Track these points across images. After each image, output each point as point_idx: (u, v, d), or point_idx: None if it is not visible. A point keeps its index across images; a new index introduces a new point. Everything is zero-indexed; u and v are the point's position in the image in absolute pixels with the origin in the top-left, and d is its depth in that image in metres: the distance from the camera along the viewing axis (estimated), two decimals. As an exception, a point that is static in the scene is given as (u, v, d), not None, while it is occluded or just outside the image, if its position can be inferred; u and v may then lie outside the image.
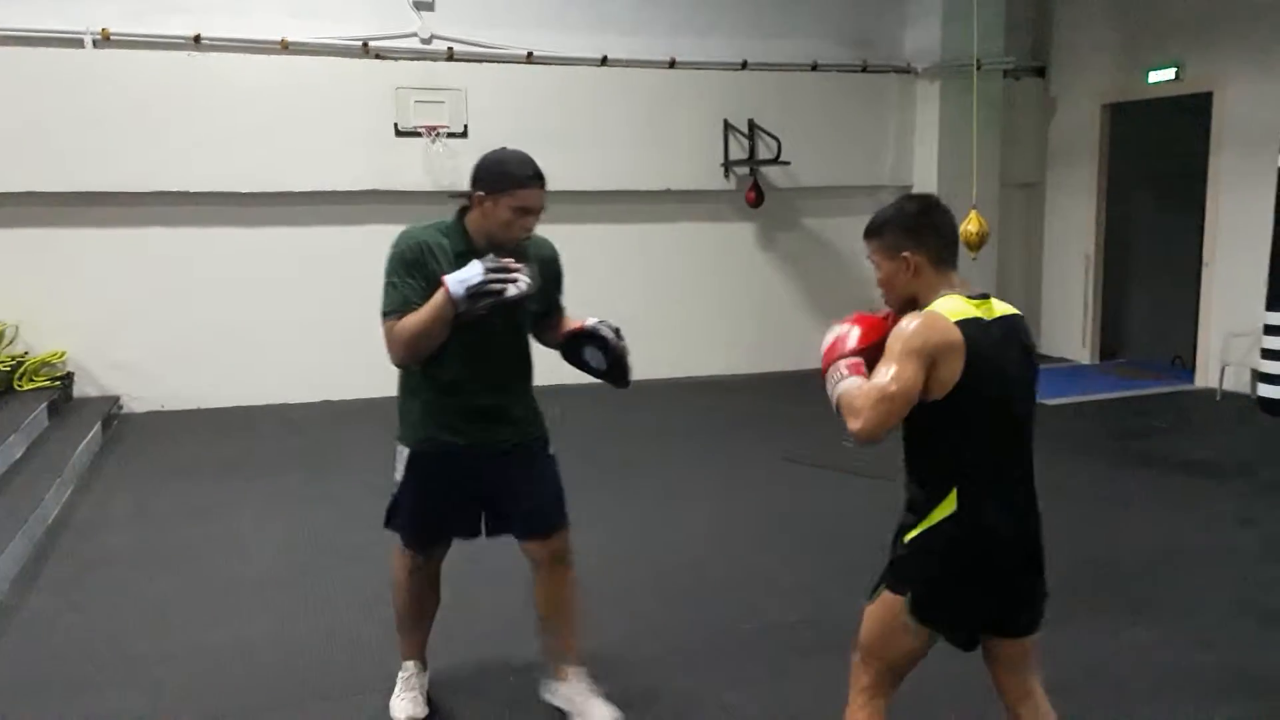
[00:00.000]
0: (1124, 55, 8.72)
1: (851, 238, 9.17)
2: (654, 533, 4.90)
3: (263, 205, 7.54)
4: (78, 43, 6.96)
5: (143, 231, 7.35)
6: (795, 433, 6.51)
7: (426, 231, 2.86)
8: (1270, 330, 4.35)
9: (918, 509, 2.25)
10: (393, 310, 2.79)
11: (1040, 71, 9.55)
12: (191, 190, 7.30)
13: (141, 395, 7.41)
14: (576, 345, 3.00)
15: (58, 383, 6.95)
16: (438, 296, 2.70)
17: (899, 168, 9.22)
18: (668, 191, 8.44)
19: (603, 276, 8.44)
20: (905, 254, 2.24)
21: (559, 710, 3.12)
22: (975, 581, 2.22)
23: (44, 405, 6.38)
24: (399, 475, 2.98)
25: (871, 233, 2.32)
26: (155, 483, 5.75)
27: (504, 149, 2.88)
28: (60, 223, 7.16)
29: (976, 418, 2.17)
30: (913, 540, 2.24)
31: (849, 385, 2.18)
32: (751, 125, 8.51)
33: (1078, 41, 9.22)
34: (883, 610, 2.28)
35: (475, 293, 2.65)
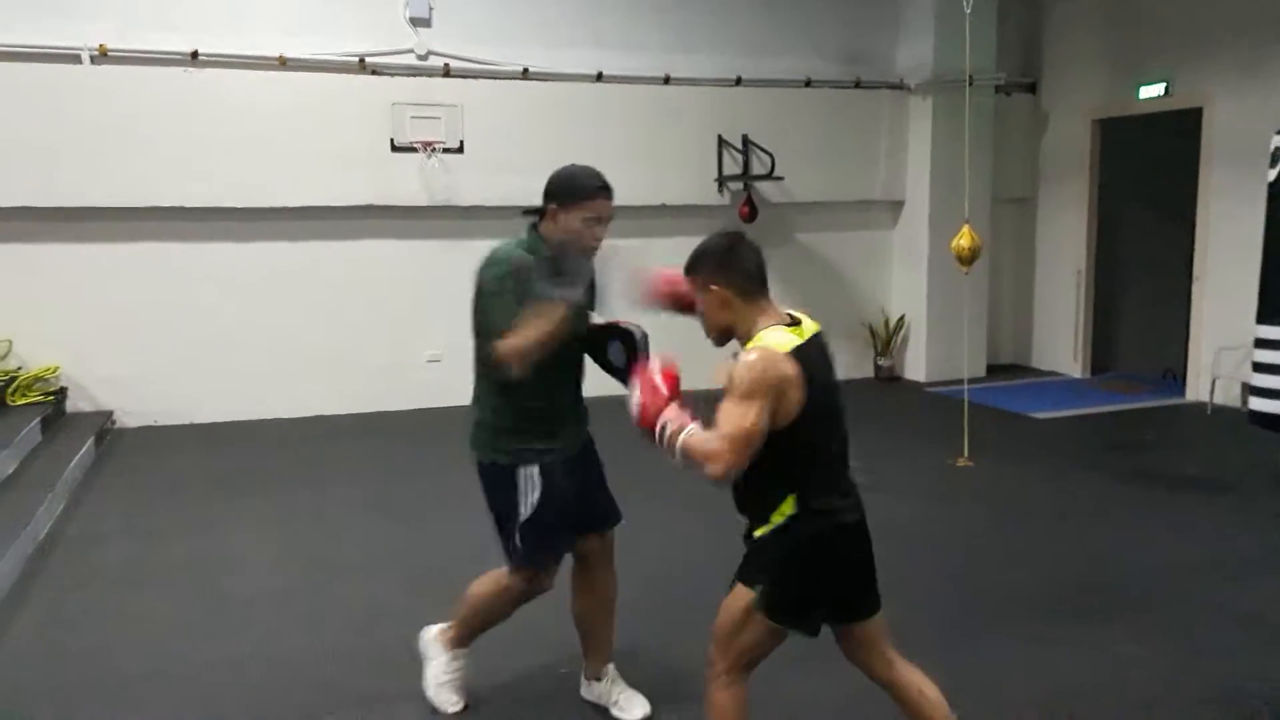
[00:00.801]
0: (1114, 71, 8.79)
1: (845, 252, 9.33)
2: (660, 543, 4.89)
3: (258, 220, 7.56)
4: (75, 58, 6.98)
5: (137, 247, 7.36)
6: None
7: (514, 250, 2.96)
8: (1261, 344, 4.37)
9: (755, 513, 2.44)
10: (501, 327, 2.84)
11: (1032, 87, 9.62)
12: (187, 205, 7.31)
13: (134, 410, 7.40)
14: (603, 340, 3.05)
15: (51, 398, 6.94)
16: (554, 307, 2.77)
17: (891, 183, 9.27)
18: (662, 206, 8.47)
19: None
20: (713, 287, 2.43)
21: (588, 705, 3.22)
22: (823, 570, 2.41)
23: (37, 420, 6.37)
24: (535, 497, 2.95)
25: (688, 269, 2.53)
26: (147, 498, 5.74)
27: (573, 164, 3.04)
28: (55, 238, 7.17)
29: (816, 432, 2.37)
30: (761, 537, 2.43)
31: (693, 435, 2.32)
32: (745, 141, 8.56)
33: (1068, 58, 9.29)
34: (734, 601, 2.46)
35: (568, 281, 2.79)
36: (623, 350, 3.00)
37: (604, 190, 2.95)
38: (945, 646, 3.70)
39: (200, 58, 7.21)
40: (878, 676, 2.58)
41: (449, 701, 3.25)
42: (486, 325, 2.90)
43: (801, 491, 2.38)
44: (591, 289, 2.99)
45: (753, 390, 2.25)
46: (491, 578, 3.14)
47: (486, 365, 2.95)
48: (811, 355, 2.36)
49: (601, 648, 3.24)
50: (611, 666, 3.28)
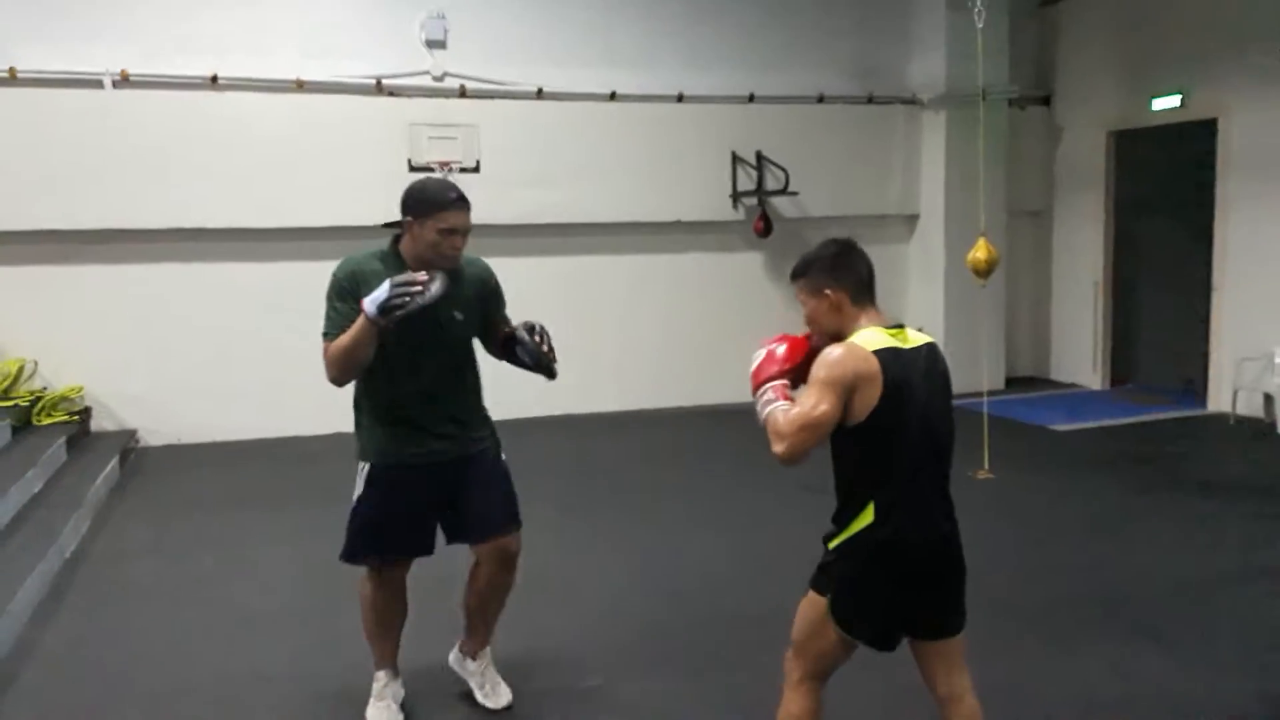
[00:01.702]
0: (1128, 83, 8.80)
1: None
2: (668, 559, 4.91)
3: (278, 241, 7.65)
4: (97, 84, 7.11)
5: (160, 268, 7.47)
6: (810, 462, 6.50)
7: (362, 259, 3.04)
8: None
9: (839, 519, 2.44)
10: (328, 333, 3.00)
11: (1046, 100, 9.64)
12: (208, 227, 7.42)
13: (158, 429, 7.48)
14: (511, 348, 3.19)
15: (76, 417, 7.03)
16: (359, 319, 2.86)
17: (906, 197, 9.29)
18: (677, 223, 8.52)
19: (614, 307, 8.53)
20: (827, 291, 2.45)
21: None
22: (889, 585, 2.39)
23: (62, 439, 6.45)
24: (358, 492, 3.15)
25: (797, 274, 2.55)
26: (172, 515, 5.79)
27: (428, 178, 3.13)
28: (78, 260, 7.28)
29: (893, 437, 2.35)
30: (836, 547, 2.44)
31: (776, 409, 2.40)
32: (759, 157, 8.61)
33: (1082, 70, 9.31)
34: (809, 610, 2.47)
35: (386, 307, 2.80)
36: (528, 354, 3.12)
37: (460, 202, 2.98)
38: (972, 659, 3.64)
39: (220, 82, 7.32)
40: (938, 701, 2.55)
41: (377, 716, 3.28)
42: (322, 329, 3.04)
43: (882, 499, 2.38)
44: (450, 304, 3.00)
45: (828, 381, 2.31)
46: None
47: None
48: (904, 361, 2.36)
49: (479, 632, 3.39)
50: (488, 651, 3.41)
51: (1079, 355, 9.51)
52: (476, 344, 3.25)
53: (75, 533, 5.27)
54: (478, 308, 3.13)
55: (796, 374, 2.49)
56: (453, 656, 3.48)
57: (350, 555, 3.19)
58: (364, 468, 3.14)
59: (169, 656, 3.89)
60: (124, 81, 7.15)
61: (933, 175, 9.15)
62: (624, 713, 3.37)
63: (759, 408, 2.45)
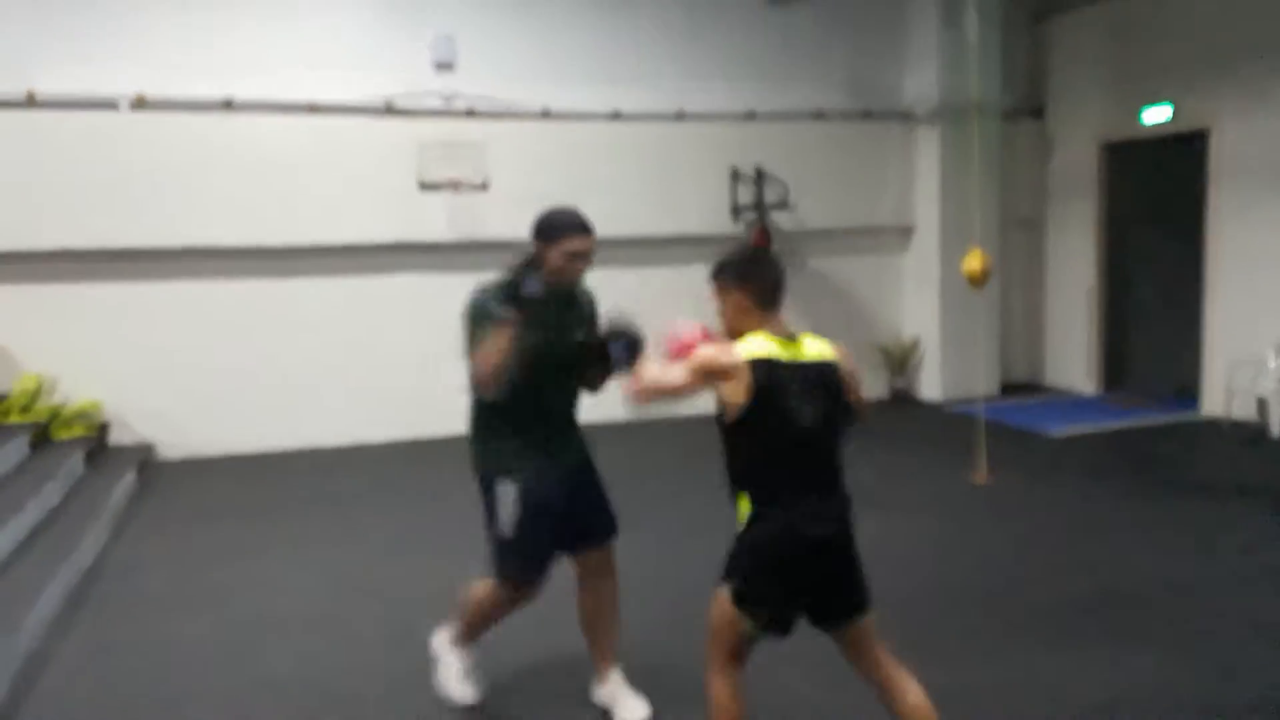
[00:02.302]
0: (1119, 96, 8.95)
1: (858, 277, 9.49)
2: (668, 566, 5.01)
3: (291, 259, 7.81)
4: (114, 106, 7.28)
5: (176, 285, 7.61)
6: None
7: (490, 289, 3.19)
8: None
9: (737, 511, 2.64)
10: (475, 349, 3.11)
11: (1038, 113, 9.80)
12: (223, 245, 7.58)
13: (175, 442, 7.62)
14: (604, 353, 3.18)
15: (94, 431, 7.14)
16: (498, 329, 3.03)
17: (902, 209, 9.45)
18: (679, 237, 8.68)
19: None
20: (736, 293, 2.66)
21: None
22: (771, 573, 2.56)
23: (80, 453, 6.55)
24: (509, 514, 3.17)
25: (713, 274, 2.76)
26: (188, 527, 5.86)
27: (556, 205, 3.30)
28: (96, 278, 7.43)
29: (761, 438, 2.55)
30: (737, 537, 2.63)
31: (655, 370, 2.78)
32: (759, 172, 8.77)
33: (1073, 84, 9.47)
34: (718, 598, 2.63)
35: (515, 299, 3.04)
36: (625, 348, 3.19)
37: (584, 229, 3.18)
38: (972, 662, 3.74)
39: (233, 104, 7.49)
40: (865, 676, 2.70)
41: (462, 693, 3.46)
42: (466, 351, 3.14)
43: (754, 495, 2.59)
44: (570, 319, 3.24)
45: (693, 365, 2.60)
46: (487, 583, 3.33)
47: (471, 389, 3.18)
48: (779, 370, 2.54)
49: (603, 652, 3.43)
50: (616, 671, 3.45)
51: (1073, 362, 9.65)
52: None
53: (93, 545, 5.33)
54: (588, 330, 3.30)
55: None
56: (593, 692, 3.51)
57: (510, 573, 3.25)
58: (506, 489, 3.17)
59: (184, 666, 3.92)
60: (140, 104, 7.32)
61: (927, 188, 9.31)
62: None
63: (648, 365, 2.80)
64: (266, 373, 7.78)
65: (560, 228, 3.17)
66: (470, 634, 3.48)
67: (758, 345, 2.58)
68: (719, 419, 2.61)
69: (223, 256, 7.65)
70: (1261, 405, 7.65)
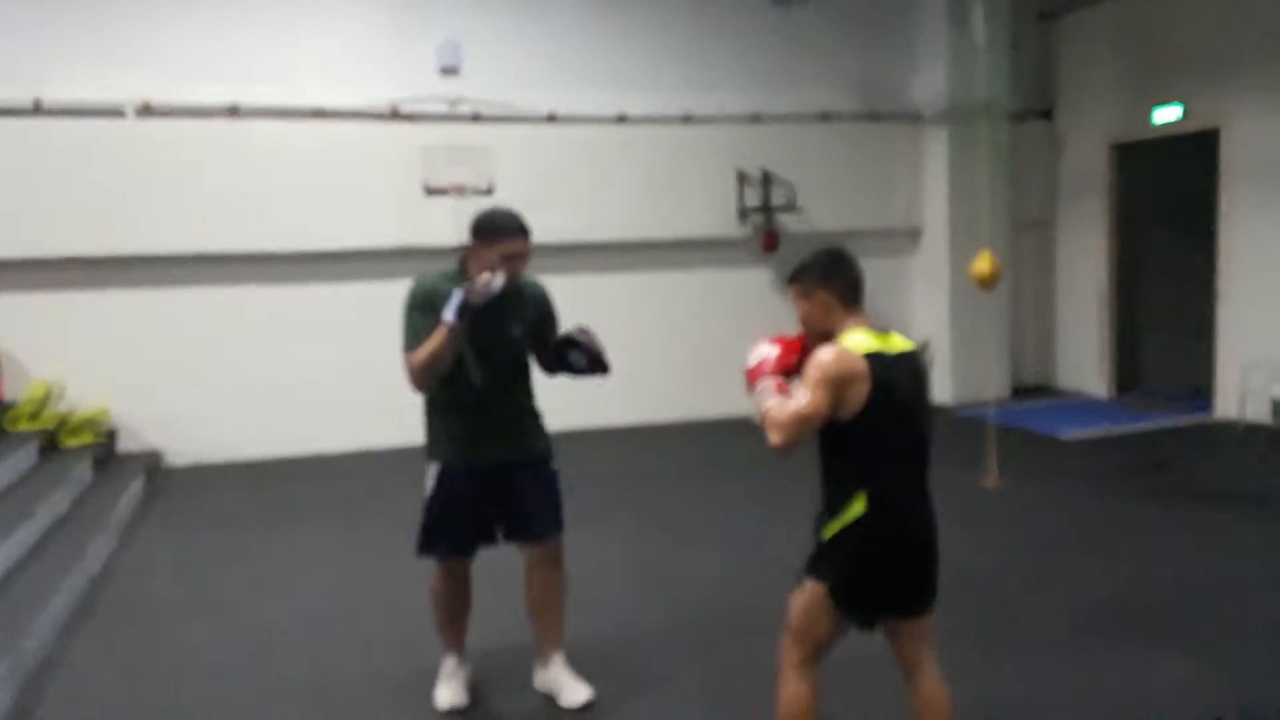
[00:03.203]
0: (1129, 96, 8.89)
1: (867, 279, 9.39)
2: (678, 569, 4.99)
3: (298, 264, 7.81)
4: (119, 113, 7.29)
5: (183, 292, 7.62)
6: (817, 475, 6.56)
7: (434, 278, 3.34)
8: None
9: (832, 509, 2.61)
10: (409, 346, 3.28)
11: (1047, 114, 9.75)
12: (230, 251, 7.58)
13: (182, 449, 7.62)
14: (563, 356, 3.42)
15: (101, 439, 7.14)
16: (439, 329, 3.16)
17: (910, 211, 9.40)
18: (685, 240, 8.65)
19: (624, 323, 8.62)
20: (819, 294, 2.65)
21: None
22: (881, 572, 2.58)
23: (89, 460, 6.55)
24: (428, 492, 3.41)
25: (793, 278, 2.74)
26: (196, 534, 5.86)
27: (494, 207, 3.39)
28: (103, 285, 7.44)
29: (881, 433, 2.54)
30: (831, 536, 2.60)
31: (773, 404, 2.57)
32: (765, 174, 8.73)
33: (1083, 83, 9.41)
34: (806, 597, 2.64)
35: (461, 309, 3.11)
36: (582, 354, 3.37)
37: (520, 231, 3.27)
38: (987, 668, 3.71)
39: (240, 110, 7.49)
40: (906, 671, 2.74)
41: (440, 697, 3.53)
42: (403, 342, 3.30)
43: (872, 490, 2.55)
44: (508, 317, 3.33)
45: (821, 380, 2.49)
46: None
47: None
48: (889, 364, 2.54)
49: (544, 637, 3.55)
50: (558, 656, 3.54)
51: (1084, 364, 9.58)
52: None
53: (101, 552, 5.33)
54: (534, 325, 3.40)
55: (790, 371, 2.68)
56: (535, 679, 3.61)
57: (422, 548, 3.46)
58: (432, 468, 3.41)
59: (193, 673, 3.92)
60: (146, 111, 7.32)
61: (936, 189, 9.26)
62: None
63: (757, 399, 2.63)
64: (273, 379, 7.78)
65: (498, 229, 3.25)
66: (443, 633, 3.57)
67: (862, 340, 2.56)
68: (832, 420, 2.53)
69: (228, 262, 7.65)
70: (1276, 407, 7.58)
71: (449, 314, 3.11)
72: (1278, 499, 5.87)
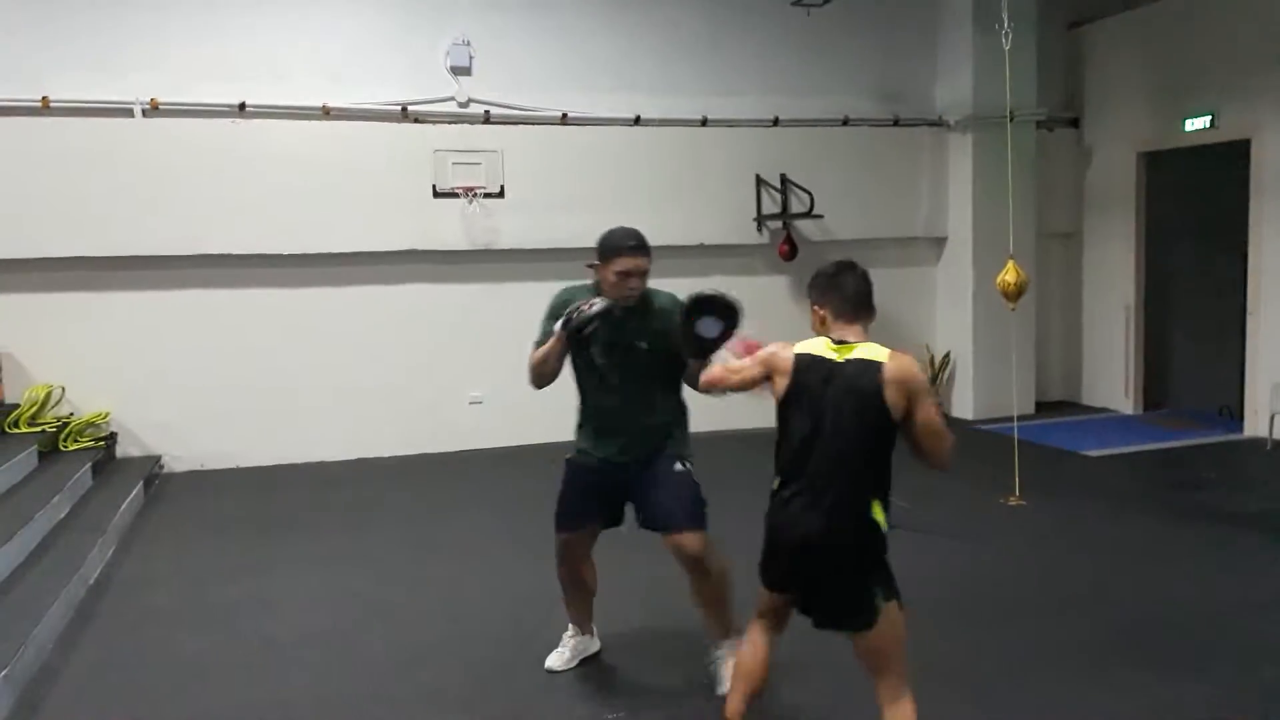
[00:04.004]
0: (1158, 104, 8.70)
1: (888, 290, 9.07)
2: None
3: (304, 266, 7.69)
4: (127, 112, 7.19)
5: (186, 294, 7.52)
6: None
7: (573, 290, 3.63)
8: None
9: (874, 518, 2.72)
10: (534, 344, 3.59)
11: (1074, 122, 9.55)
12: (235, 253, 7.47)
13: (182, 455, 7.51)
14: (697, 340, 3.21)
15: (101, 443, 7.06)
16: (554, 336, 3.48)
17: (933, 220, 9.21)
18: (701, 246, 8.48)
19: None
20: (815, 308, 2.85)
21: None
22: (769, 549, 2.81)
23: (88, 465, 6.48)
24: (561, 478, 3.77)
25: (808, 286, 2.94)
26: (196, 541, 5.79)
27: (615, 226, 3.59)
28: (106, 286, 7.35)
29: (786, 426, 2.79)
30: (880, 543, 2.73)
31: (724, 356, 3.08)
32: (784, 180, 8.57)
33: (1111, 91, 9.22)
34: (893, 615, 2.73)
35: (566, 321, 3.41)
36: (716, 323, 3.21)
37: (633, 249, 3.46)
38: (1003, 687, 3.66)
39: (247, 109, 7.39)
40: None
41: (555, 660, 3.88)
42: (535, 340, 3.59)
43: (779, 474, 2.81)
44: (633, 332, 3.52)
45: (759, 358, 2.88)
46: None
47: None
48: (813, 367, 2.72)
49: (706, 628, 3.68)
50: (720, 646, 3.62)
51: (1111, 379, 9.36)
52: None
53: (100, 558, 5.28)
54: (661, 338, 3.47)
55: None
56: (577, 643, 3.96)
57: (556, 522, 3.75)
58: (565, 460, 3.77)
59: (192, 682, 3.88)
60: (153, 110, 7.23)
61: (960, 198, 9.08)
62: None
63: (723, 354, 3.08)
64: (276, 384, 7.66)
65: (612, 248, 3.47)
66: (568, 604, 3.89)
67: (812, 344, 2.78)
68: (883, 422, 2.66)
69: (234, 264, 7.53)
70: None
71: (558, 325, 3.42)
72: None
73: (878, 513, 2.66)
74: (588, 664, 3.92)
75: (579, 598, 3.87)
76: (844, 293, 2.77)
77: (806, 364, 2.73)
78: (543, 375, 3.54)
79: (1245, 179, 7.92)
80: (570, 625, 3.93)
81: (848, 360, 2.68)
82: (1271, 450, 7.44)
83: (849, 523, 2.65)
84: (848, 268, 2.81)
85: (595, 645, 3.96)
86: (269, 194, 7.44)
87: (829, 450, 2.67)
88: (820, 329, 2.80)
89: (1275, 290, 7.73)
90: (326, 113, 7.54)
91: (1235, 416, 8.25)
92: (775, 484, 2.80)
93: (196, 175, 7.32)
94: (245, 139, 7.41)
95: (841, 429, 2.65)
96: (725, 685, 3.35)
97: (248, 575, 5.15)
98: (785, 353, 2.78)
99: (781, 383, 2.76)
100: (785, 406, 2.77)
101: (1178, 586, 4.69)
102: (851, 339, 2.72)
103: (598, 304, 3.38)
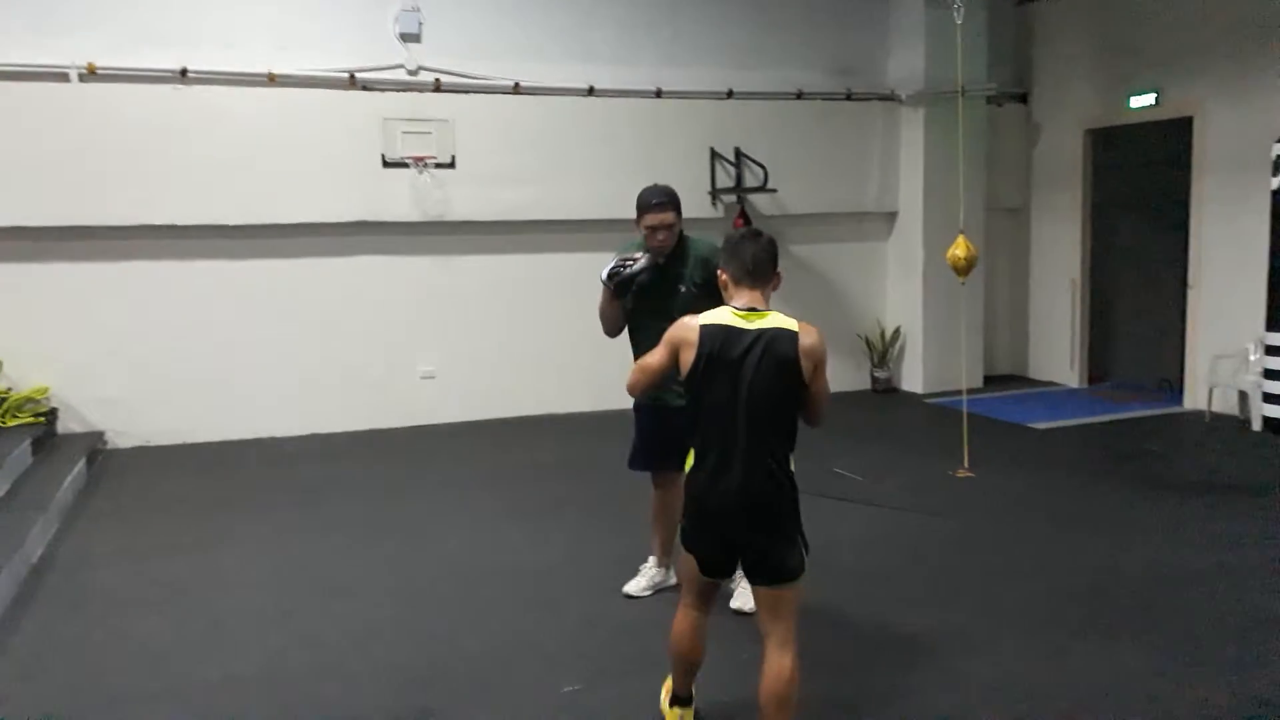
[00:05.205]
0: (1105, 81, 8.82)
1: (839, 264, 9.30)
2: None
3: (249, 238, 7.51)
4: (63, 77, 6.93)
5: (128, 265, 7.31)
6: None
7: (628, 246, 4.00)
8: (1273, 351, 4.28)
9: (788, 473, 2.86)
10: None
11: (1023, 98, 9.65)
12: (178, 223, 7.27)
13: (126, 430, 7.34)
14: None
15: (42, 419, 6.86)
16: (605, 292, 3.85)
17: (885, 194, 9.27)
18: (656, 220, 8.44)
19: (592, 303, 8.44)
20: (719, 270, 2.98)
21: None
22: (695, 523, 2.88)
23: (28, 442, 6.30)
24: (635, 425, 4.18)
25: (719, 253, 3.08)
26: (141, 519, 5.67)
27: (652, 184, 4.00)
28: (45, 257, 7.12)
29: (699, 397, 2.84)
30: (794, 500, 2.86)
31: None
32: (738, 153, 8.56)
33: (1059, 68, 9.32)
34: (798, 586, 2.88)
35: (610, 275, 3.76)
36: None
37: (658, 206, 3.86)
38: (952, 656, 3.71)
39: (189, 75, 7.18)
40: (761, 634, 2.88)
41: (632, 586, 4.30)
42: None
43: (696, 446, 2.87)
44: (673, 278, 3.91)
45: (664, 340, 2.93)
46: None
47: None
48: (721, 336, 2.79)
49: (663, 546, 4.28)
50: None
51: (1057, 353, 9.54)
52: None
53: (41, 537, 5.16)
54: (702, 281, 3.82)
55: None
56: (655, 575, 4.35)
57: (630, 464, 4.25)
58: (635, 406, 4.02)
59: (138, 662, 3.80)
60: (91, 75, 6.98)
61: (911, 172, 9.14)
62: (608, 717, 3.31)
63: None
64: (222, 358, 7.51)
65: (641, 206, 3.90)
66: (658, 539, 4.29)
67: (717, 314, 2.85)
68: (797, 385, 2.78)
69: (177, 235, 7.34)
70: (1243, 398, 7.56)
71: (602, 274, 3.77)
72: (1241, 490, 5.89)
73: (792, 464, 2.86)
74: (546, 638, 3.92)
75: (658, 527, 4.24)
76: (743, 259, 2.87)
77: (715, 334, 2.79)
78: (606, 325, 4.00)
79: (1188, 156, 8.06)
80: (650, 558, 4.34)
81: (762, 329, 2.78)
82: (1210, 422, 7.63)
83: (778, 479, 2.78)
84: (752, 236, 2.93)
85: (671, 579, 4.24)
86: (213, 164, 7.24)
87: (751, 413, 2.75)
88: (725, 291, 2.93)
89: (1215, 265, 7.91)
90: (272, 80, 7.35)
91: (1175, 389, 8.46)
92: (693, 456, 2.86)
93: (137, 143, 7.10)
94: (188, 106, 7.20)
95: (765, 391, 2.75)
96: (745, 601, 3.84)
97: (196, 553, 5.06)
98: (690, 325, 2.84)
99: (689, 355, 2.81)
100: (697, 378, 2.81)
101: (1123, 555, 4.79)
102: (758, 306, 2.83)
103: (641, 260, 3.73)
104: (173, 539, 5.29)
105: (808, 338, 2.77)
